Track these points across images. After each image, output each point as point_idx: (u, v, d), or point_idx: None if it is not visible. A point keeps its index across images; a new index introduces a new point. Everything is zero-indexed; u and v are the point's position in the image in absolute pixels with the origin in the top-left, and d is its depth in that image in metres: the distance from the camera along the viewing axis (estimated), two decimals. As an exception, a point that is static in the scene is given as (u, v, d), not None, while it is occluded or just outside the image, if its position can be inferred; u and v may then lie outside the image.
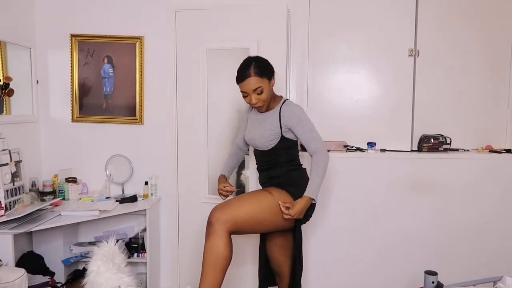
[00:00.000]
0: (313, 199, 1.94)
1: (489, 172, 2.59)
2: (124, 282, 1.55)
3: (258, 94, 1.98)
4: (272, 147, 2.03)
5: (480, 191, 2.59)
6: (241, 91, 2.02)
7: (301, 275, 2.11)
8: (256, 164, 2.20)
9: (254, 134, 2.09)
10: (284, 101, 2.07)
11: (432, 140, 2.67)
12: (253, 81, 1.95)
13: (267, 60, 2.05)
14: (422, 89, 2.73)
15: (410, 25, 2.69)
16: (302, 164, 2.15)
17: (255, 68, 1.96)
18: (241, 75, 1.98)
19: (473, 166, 2.59)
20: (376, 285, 2.67)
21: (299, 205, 1.91)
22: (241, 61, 2.04)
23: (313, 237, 2.63)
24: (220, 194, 2.18)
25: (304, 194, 1.93)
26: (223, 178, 2.23)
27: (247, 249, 2.63)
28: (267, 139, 2.02)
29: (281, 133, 2.01)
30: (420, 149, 2.70)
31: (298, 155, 2.14)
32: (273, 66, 2.08)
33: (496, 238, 2.61)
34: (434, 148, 2.67)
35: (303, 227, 2.10)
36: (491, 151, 2.71)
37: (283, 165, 2.05)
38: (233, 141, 2.58)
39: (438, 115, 2.77)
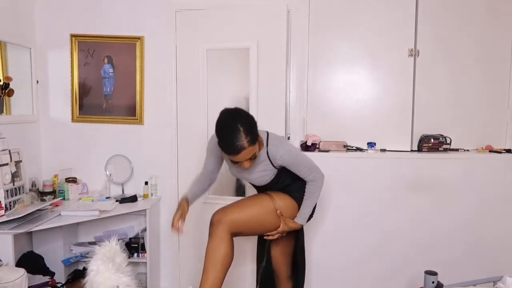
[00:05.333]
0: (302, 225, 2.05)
1: (489, 172, 2.59)
2: (122, 282, 1.55)
3: (251, 159, 1.82)
4: (272, 178, 2.02)
5: (480, 191, 2.59)
6: (231, 160, 1.82)
7: (303, 283, 2.16)
8: (256, 187, 2.17)
9: (253, 179, 2.01)
10: (267, 140, 1.91)
11: (432, 140, 2.67)
12: (247, 152, 1.75)
13: (251, 117, 1.83)
14: (422, 89, 2.73)
15: (410, 25, 2.69)
16: None
17: (247, 137, 1.72)
18: (234, 149, 1.73)
19: (473, 166, 2.59)
20: (376, 285, 2.67)
21: (290, 226, 2.00)
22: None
23: (313, 237, 2.63)
24: (173, 225, 1.99)
25: (296, 220, 2.02)
26: (185, 204, 2.02)
27: (247, 249, 2.63)
28: (266, 180, 2.00)
29: (276, 168, 1.98)
30: (420, 149, 2.70)
31: None
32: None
33: (496, 238, 2.61)
34: (434, 148, 2.67)
35: (304, 227, 2.11)
36: (491, 151, 2.71)
37: (286, 179, 2.05)
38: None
39: (438, 115, 2.77)
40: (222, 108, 2.78)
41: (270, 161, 1.93)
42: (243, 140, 1.72)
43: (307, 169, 1.98)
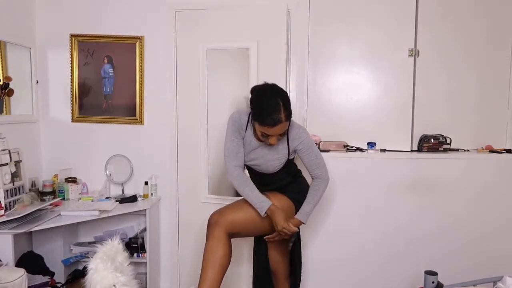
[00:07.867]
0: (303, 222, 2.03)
1: (489, 172, 2.59)
2: (119, 281, 1.54)
3: (281, 135, 1.88)
4: (280, 168, 2.03)
5: (480, 191, 2.59)
6: (263, 132, 1.86)
7: (299, 282, 2.19)
8: (254, 179, 2.15)
9: (262, 164, 2.01)
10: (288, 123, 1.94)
11: (432, 140, 2.67)
12: (282, 126, 1.83)
13: (287, 94, 1.92)
14: (422, 89, 2.73)
15: (410, 25, 2.69)
16: (300, 170, 2.18)
17: (285, 111, 1.82)
18: (271, 121, 1.79)
19: (473, 166, 2.59)
20: (376, 285, 2.66)
21: (291, 226, 1.98)
22: (264, 95, 1.87)
23: (313, 236, 2.63)
24: (282, 233, 1.97)
25: (296, 217, 2.01)
26: (276, 207, 1.94)
27: (244, 249, 2.63)
28: (276, 166, 2.01)
29: (288, 157, 2.01)
30: (420, 149, 2.70)
31: (296, 164, 2.16)
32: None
33: (496, 238, 2.61)
34: (434, 148, 2.67)
35: (303, 226, 2.10)
36: (491, 151, 2.71)
37: (286, 177, 2.07)
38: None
39: (438, 115, 2.77)
40: (222, 109, 2.80)
41: (288, 143, 1.95)
42: (282, 114, 1.80)
43: (317, 161, 2.00)
